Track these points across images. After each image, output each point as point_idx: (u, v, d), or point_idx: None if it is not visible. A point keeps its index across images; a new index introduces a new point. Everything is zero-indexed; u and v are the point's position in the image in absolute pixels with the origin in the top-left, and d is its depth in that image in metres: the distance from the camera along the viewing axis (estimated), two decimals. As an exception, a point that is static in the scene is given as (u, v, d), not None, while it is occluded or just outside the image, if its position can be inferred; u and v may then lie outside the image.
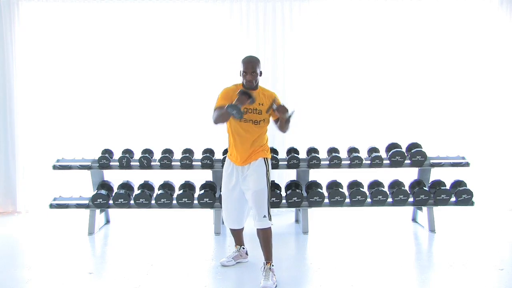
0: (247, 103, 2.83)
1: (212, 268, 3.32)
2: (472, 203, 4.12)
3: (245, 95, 2.82)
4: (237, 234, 3.40)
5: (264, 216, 2.98)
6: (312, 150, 4.33)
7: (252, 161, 3.04)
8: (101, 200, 4.07)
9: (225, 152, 4.30)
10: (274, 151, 4.27)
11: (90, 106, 5.06)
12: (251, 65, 2.95)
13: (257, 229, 3.03)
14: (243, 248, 3.43)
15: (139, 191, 4.10)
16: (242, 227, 3.30)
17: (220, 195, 3.85)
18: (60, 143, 5.03)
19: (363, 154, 4.41)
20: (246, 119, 2.96)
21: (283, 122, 2.96)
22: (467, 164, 4.22)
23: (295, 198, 4.04)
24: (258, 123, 3.01)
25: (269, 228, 3.02)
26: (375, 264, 3.36)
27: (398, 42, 5.04)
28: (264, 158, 3.05)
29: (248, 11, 4.91)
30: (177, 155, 4.35)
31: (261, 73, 3.03)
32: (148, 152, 4.34)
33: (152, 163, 4.16)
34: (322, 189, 4.20)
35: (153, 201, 4.11)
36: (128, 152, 4.36)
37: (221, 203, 3.84)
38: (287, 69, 4.97)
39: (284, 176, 4.89)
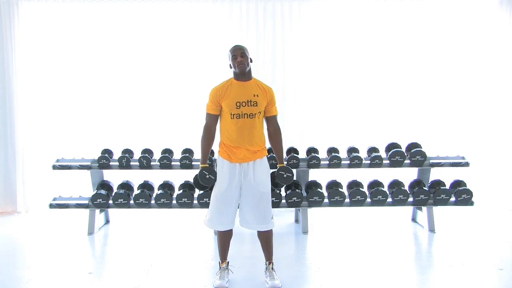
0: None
1: (212, 268, 3.32)
2: (471, 203, 4.12)
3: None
4: (227, 241, 3.08)
5: (272, 218, 3.00)
6: (311, 150, 4.33)
7: (256, 159, 2.92)
8: (100, 200, 4.07)
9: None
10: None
11: (90, 106, 5.06)
12: (239, 49, 2.85)
13: (261, 231, 2.98)
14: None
15: (139, 191, 4.10)
16: (233, 227, 3.06)
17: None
18: (60, 143, 5.03)
19: (363, 154, 4.40)
20: (239, 114, 2.84)
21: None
22: (466, 164, 4.22)
23: (295, 198, 4.04)
24: (253, 116, 2.84)
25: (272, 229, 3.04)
26: (375, 264, 3.36)
27: (398, 42, 5.03)
28: (266, 157, 3.04)
29: (248, 11, 4.91)
30: (177, 155, 4.35)
31: (251, 60, 2.91)
32: (147, 152, 4.34)
33: (152, 163, 4.15)
34: (321, 189, 4.20)
35: (153, 201, 4.11)
36: (127, 152, 4.36)
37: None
38: (287, 69, 4.97)
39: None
